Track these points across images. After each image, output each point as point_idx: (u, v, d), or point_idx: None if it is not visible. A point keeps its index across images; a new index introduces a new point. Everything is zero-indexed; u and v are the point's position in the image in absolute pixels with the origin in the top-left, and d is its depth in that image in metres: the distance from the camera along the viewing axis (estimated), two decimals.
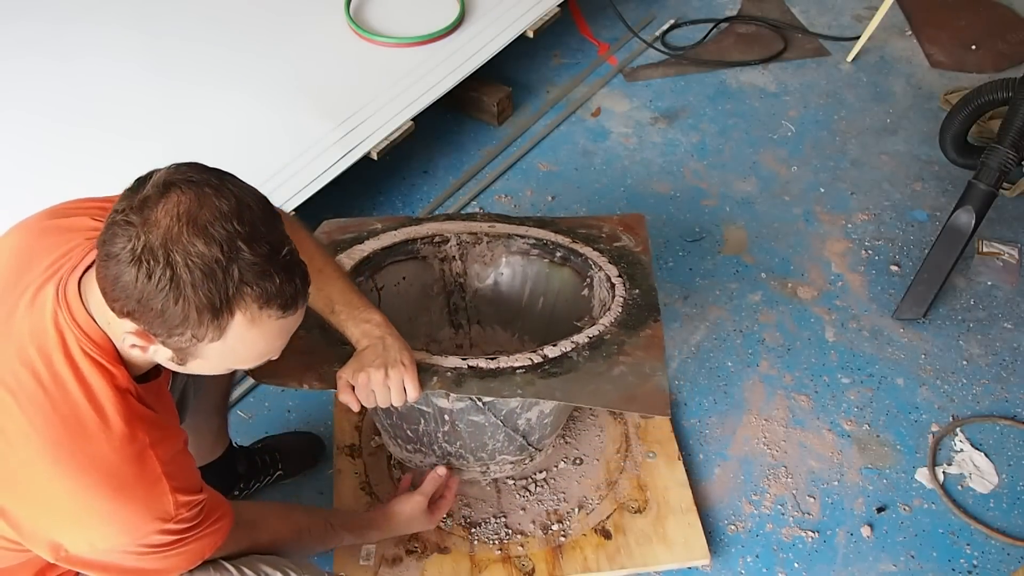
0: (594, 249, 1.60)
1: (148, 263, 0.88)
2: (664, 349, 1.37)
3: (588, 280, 1.59)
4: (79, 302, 0.98)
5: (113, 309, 0.93)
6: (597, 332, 1.39)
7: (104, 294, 0.93)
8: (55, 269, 1.02)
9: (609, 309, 1.46)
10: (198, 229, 0.88)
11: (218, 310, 0.90)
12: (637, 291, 1.50)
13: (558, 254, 1.63)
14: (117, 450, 0.96)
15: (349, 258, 1.54)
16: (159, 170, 0.92)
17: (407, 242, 1.62)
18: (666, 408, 1.29)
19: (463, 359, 1.32)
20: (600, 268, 1.56)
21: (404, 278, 1.64)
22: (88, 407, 0.96)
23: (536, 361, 1.33)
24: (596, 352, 1.35)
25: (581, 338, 1.38)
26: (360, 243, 1.59)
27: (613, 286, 1.52)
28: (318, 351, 1.33)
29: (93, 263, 0.97)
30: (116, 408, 0.97)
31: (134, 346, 0.95)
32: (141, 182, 0.92)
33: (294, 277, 0.94)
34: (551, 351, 1.35)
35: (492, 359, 1.33)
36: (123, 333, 0.94)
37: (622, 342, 1.37)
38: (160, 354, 0.96)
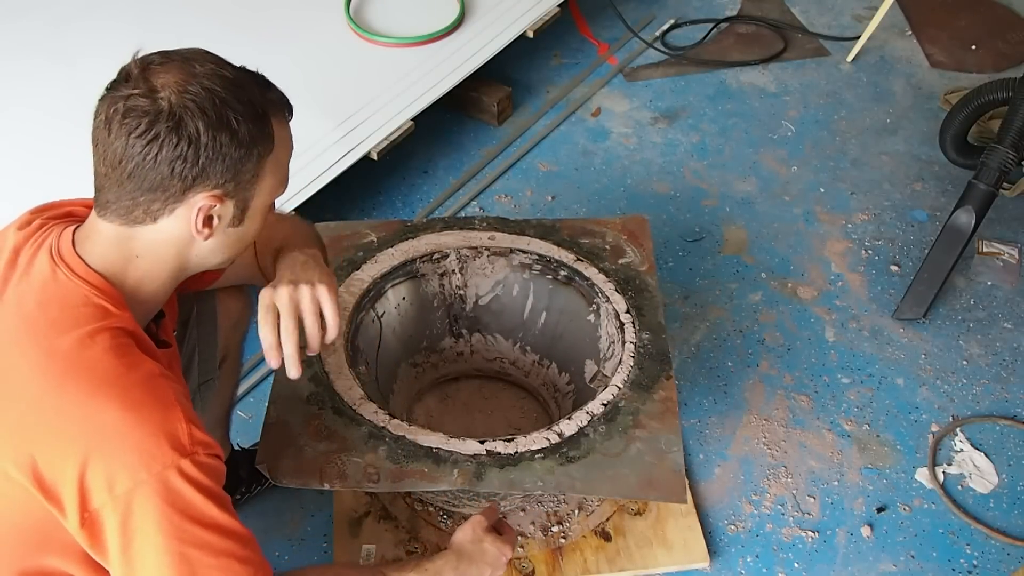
0: (599, 270, 1.60)
1: (194, 102, 0.91)
2: (678, 415, 1.38)
3: (594, 307, 1.59)
4: (76, 257, 0.98)
5: (162, 208, 0.94)
6: (611, 397, 1.40)
7: (141, 205, 0.94)
8: (42, 239, 1.02)
9: (621, 361, 1.46)
10: (199, 64, 0.94)
11: (261, 116, 0.97)
12: (647, 334, 1.50)
13: (562, 273, 1.62)
14: (125, 373, 0.94)
15: (349, 292, 1.54)
16: (126, 68, 0.94)
17: (405, 263, 1.61)
18: (683, 495, 1.30)
19: (481, 442, 1.33)
20: (607, 299, 1.56)
21: (404, 298, 1.64)
22: (92, 341, 0.94)
23: (554, 442, 1.33)
24: (612, 426, 1.36)
25: (595, 407, 1.39)
26: (357, 268, 1.58)
27: (622, 325, 1.51)
28: (336, 435, 1.33)
29: (80, 223, 1.00)
30: (120, 343, 0.95)
31: (205, 224, 0.97)
32: (116, 81, 0.94)
33: (277, 87, 1.03)
34: (567, 427, 1.35)
35: (510, 441, 1.33)
36: (189, 222, 0.96)
37: (636, 410, 1.38)
38: (224, 220, 0.99)
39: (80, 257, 0.99)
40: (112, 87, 0.93)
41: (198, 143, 0.91)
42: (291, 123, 1.06)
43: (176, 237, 0.99)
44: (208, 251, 1.02)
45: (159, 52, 0.95)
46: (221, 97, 0.92)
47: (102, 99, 0.93)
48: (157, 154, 0.91)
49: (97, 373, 0.93)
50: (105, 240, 0.98)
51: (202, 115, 0.91)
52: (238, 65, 0.99)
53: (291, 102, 1.05)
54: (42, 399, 0.93)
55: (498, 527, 1.28)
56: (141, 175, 0.92)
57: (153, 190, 0.93)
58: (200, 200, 0.95)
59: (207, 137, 0.91)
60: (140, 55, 0.95)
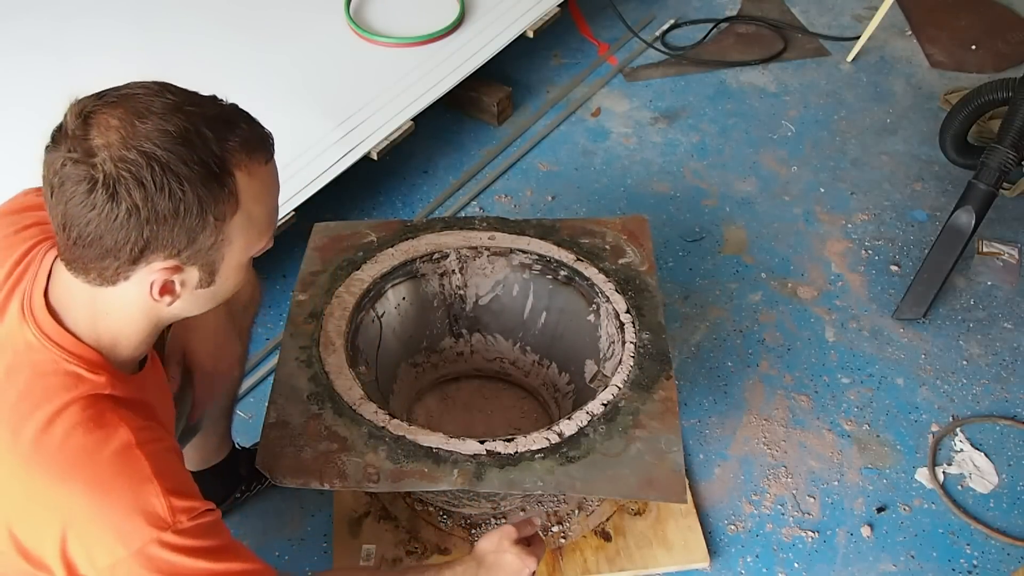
0: (599, 270, 1.60)
1: (129, 172, 0.81)
2: (679, 415, 1.38)
3: (594, 307, 1.59)
4: (46, 313, 0.94)
5: (116, 275, 0.88)
6: (611, 397, 1.40)
7: (94, 270, 0.88)
8: (17, 279, 0.98)
9: (621, 361, 1.46)
10: (144, 116, 0.83)
11: (218, 174, 0.86)
12: (647, 334, 1.49)
13: (562, 273, 1.62)
14: (95, 451, 0.90)
15: (349, 292, 1.54)
16: (64, 120, 0.85)
17: (406, 263, 1.61)
18: (683, 495, 1.30)
19: (481, 442, 1.32)
20: (607, 299, 1.56)
21: (404, 298, 1.64)
22: (60, 419, 0.90)
23: (554, 442, 1.33)
24: (612, 426, 1.36)
25: (595, 407, 1.38)
26: (357, 268, 1.58)
27: (622, 325, 1.51)
28: (336, 435, 1.32)
29: (52, 270, 0.94)
30: (91, 415, 0.91)
31: (164, 293, 0.91)
32: (56, 135, 0.85)
33: (251, 120, 0.91)
34: (567, 427, 1.35)
35: (510, 441, 1.33)
36: (146, 289, 0.89)
37: (636, 410, 1.38)
38: (189, 284, 0.92)
39: (51, 309, 0.94)
40: (53, 142, 0.85)
41: (138, 215, 0.83)
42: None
43: (139, 300, 0.92)
44: (180, 309, 0.96)
45: (100, 96, 0.86)
46: (162, 162, 0.82)
47: (46, 154, 0.85)
48: (97, 225, 0.84)
49: (65, 455, 0.89)
50: (74, 294, 0.93)
51: (139, 186, 0.82)
52: (205, 95, 0.89)
53: (270, 137, 0.93)
54: (12, 479, 0.91)
55: (529, 539, 1.24)
56: (84, 243, 0.86)
57: (102, 258, 0.87)
58: (155, 270, 0.88)
59: (147, 210, 0.83)
60: (79, 99, 0.86)
